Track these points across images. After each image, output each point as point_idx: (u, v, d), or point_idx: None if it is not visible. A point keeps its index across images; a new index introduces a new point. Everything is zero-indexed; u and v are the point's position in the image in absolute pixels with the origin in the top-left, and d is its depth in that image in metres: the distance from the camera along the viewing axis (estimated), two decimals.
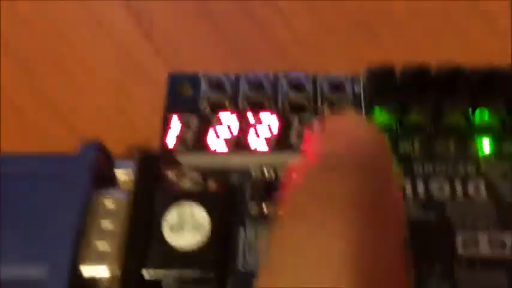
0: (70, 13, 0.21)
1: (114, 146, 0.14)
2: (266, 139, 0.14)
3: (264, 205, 0.13)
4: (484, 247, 0.13)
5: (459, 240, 0.13)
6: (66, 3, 0.21)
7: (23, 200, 0.12)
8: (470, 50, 0.16)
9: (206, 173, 0.14)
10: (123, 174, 0.13)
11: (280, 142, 0.14)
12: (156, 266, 0.12)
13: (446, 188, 0.14)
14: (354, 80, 0.15)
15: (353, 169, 0.09)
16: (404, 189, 0.14)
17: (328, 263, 0.08)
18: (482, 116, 0.15)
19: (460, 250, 0.13)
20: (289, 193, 0.09)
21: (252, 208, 0.13)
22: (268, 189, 0.13)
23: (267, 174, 0.14)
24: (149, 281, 0.12)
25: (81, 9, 0.21)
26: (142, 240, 0.12)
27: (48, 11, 0.21)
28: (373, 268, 0.09)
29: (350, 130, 0.10)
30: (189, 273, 0.12)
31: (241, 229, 0.13)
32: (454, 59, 0.15)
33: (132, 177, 0.13)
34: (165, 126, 0.14)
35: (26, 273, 0.11)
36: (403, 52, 0.15)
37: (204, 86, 0.15)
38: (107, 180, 0.13)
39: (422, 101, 0.14)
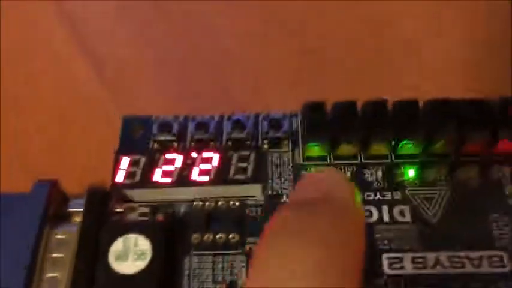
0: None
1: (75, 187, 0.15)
2: (208, 174, 0.15)
3: (204, 234, 0.15)
4: (407, 266, 0.15)
5: (385, 260, 0.15)
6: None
7: None
8: (402, 85, 0.17)
9: (154, 206, 0.15)
10: (76, 209, 0.14)
11: (221, 176, 0.15)
12: None
13: (375, 214, 0.15)
14: (291, 117, 0.17)
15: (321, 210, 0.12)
16: None
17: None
18: (406, 146, 0.16)
19: (386, 269, 0.14)
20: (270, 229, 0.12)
21: (195, 237, 0.15)
22: (210, 218, 0.15)
23: (208, 205, 0.15)
24: None
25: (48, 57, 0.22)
26: (89, 269, 0.13)
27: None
28: None
29: (321, 181, 0.13)
30: None
31: (186, 257, 0.15)
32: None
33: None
34: (116, 165, 0.15)
35: None
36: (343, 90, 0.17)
37: (155, 128, 0.17)
38: (62, 217, 0.14)
39: (351, 134, 0.16)
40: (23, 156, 0.19)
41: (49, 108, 0.20)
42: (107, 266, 0.13)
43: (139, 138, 0.17)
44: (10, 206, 0.14)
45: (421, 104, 0.16)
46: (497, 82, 0.20)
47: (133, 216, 0.15)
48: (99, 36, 0.22)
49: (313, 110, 0.16)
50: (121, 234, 0.14)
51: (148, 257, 0.13)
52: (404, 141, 0.16)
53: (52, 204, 0.14)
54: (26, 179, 0.14)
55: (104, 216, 0.14)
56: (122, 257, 0.13)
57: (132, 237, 0.14)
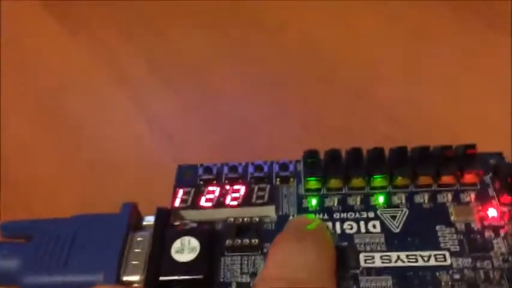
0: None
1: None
2: (237, 200, 0.22)
3: (234, 240, 0.21)
4: (377, 261, 0.21)
5: (361, 257, 0.21)
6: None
7: (91, 238, 0.20)
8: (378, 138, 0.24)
9: (199, 222, 0.22)
10: (147, 223, 0.21)
11: (246, 201, 0.22)
12: (167, 274, 0.19)
13: (355, 227, 0.22)
14: (296, 163, 0.24)
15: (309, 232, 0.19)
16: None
17: None
18: (376, 180, 0.23)
19: (362, 263, 0.21)
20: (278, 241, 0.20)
21: (228, 242, 0.21)
22: (238, 229, 0.21)
23: (237, 221, 0.22)
24: (163, 283, 0.19)
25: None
26: (158, 258, 0.20)
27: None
28: None
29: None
30: (187, 276, 0.19)
31: (222, 256, 0.21)
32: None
33: (152, 224, 0.21)
34: (174, 195, 0.22)
35: (90, 280, 0.19)
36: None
37: (200, 170, 0.24)
38: (138, 227, 0.21)
39: (337, 173, 0.23)
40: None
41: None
42: (170, 256, 0.20)
43: (190, 178, 0.24)
44: (107, 220, 0.21)
45: (386, 150, 0.23)
46: None
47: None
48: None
49: (311, 155, 0.23)
50: (179, 236, 0.20)
51: (197, 250, 0.20)
52: (375, 177, 0.23)
53: (133, 218, 0.21)
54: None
55: (167, 226, 0.21)
56: (180, 250, 0.20)
57: (187, 238, 0.20)
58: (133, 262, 0.20)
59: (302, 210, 0.22)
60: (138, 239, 0.21)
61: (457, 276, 0.20)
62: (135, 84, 0.33)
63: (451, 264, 0.20)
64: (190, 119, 0.31)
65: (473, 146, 0.22)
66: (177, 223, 0.22)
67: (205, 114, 0.31)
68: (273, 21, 0.34)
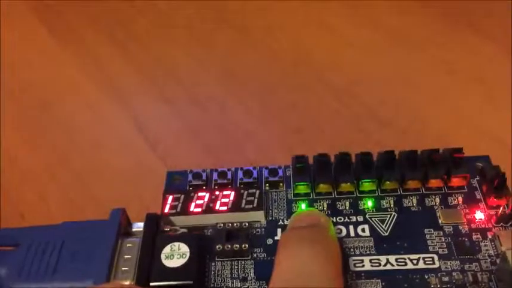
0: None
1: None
2: (227, 205, 0.22)
3: (224, 245, 0.21)
4: (367, 265, 0.21)
5: (351, 261, 0.21)
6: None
7: (80, 245, 0.20)
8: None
9: (189, 228, 0.22)
10: (136, 229, 0.21)
11: (235, 206, 0.22)
12: (157, 279, 0.19)
13: (344, 231, 0.22)
14: (285, 168, 0.24)
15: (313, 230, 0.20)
16: None
17: None
18: (365, 185, 0.23)
19: (351, 267, 0.21)
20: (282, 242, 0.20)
21: (218, 247, 0.21)
22: (228, 235, 0.21)
23: (227, 226, 0.22)
24: None
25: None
26: (148, 264, 0.20)
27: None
28: None
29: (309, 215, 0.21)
30: (177, 282, 0.19)
31: (212, 261, 0.21)
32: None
33: (142, 230, 0.21)
34: (164, 201, 0.22)
35: (80, 286, 0.19)
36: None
37: (190, 176, 0.24)
38: (128, 233, 0.21)
39: (326, 177, 0.23)
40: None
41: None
42: (160, 261, 0.20)
43: (179, 184, 0.24)
44: (97, 227, 0.21)
45: (374, 155, 0.23)
46: None
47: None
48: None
49: (299, 160, 0.23)
50: (169, 242, 0.20)
51: (187, 256, 0.20)
52: (363, 181, 0.23)
53: (122, 224, 0.21)
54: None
55: (157, 232, 0.21)
56: (170, 256, 0.20)
57: (176, 243, 0.20)
58: (123, 268, 0.20)
59: (291, 215, 0.22)
60: (128, 245, 0.21)
61: (445, 279, 0.20)
62: (125, 93, 0.33)
63: (440, 267, 0.20)
64: (180, 126, 0.31)
65: (460, 150, 0.22)
66: (166, 229, 0.22)
67: (195, 121, 0.31)
68: (259, 28, 0.34)
